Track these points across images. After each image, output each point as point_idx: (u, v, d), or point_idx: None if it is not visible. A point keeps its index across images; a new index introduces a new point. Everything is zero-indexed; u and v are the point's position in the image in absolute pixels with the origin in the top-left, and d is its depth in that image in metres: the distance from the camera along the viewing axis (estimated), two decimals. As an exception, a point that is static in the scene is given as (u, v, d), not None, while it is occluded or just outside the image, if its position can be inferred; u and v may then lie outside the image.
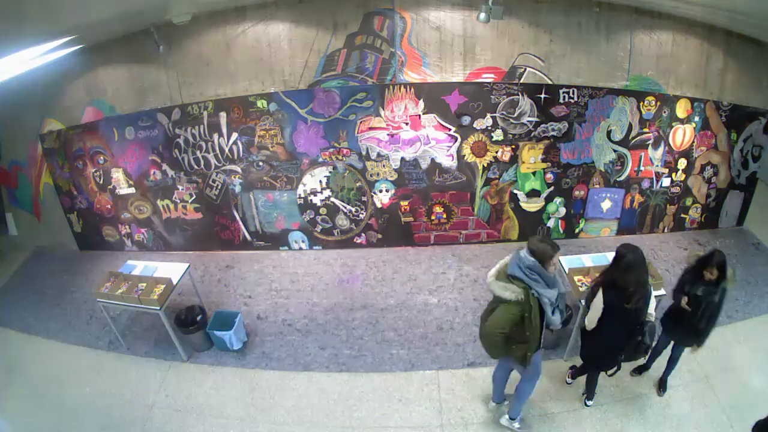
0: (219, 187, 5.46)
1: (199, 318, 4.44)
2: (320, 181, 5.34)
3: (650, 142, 5.20)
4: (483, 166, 5.19)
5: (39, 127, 5.54)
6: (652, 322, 3.14)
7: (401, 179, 5.25)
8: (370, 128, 5.02)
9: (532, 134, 5.04)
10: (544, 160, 5.20)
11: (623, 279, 2.98)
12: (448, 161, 5.15)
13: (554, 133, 5.05)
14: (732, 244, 5.50)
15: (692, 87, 4.97)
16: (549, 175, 5.28)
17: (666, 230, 5.77)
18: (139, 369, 4.30)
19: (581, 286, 3.93)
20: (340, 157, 5.18)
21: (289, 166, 5.25)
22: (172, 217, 5.71)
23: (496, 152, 5.11)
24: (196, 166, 5.37)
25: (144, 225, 5.83)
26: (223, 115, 5.07)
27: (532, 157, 5.16)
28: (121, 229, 5.97)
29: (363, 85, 4.84)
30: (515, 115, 4.94)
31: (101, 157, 5.50)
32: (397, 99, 4.87)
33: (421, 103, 4.87)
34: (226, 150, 5.25)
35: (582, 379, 3.75)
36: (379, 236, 5.61)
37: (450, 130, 5.00)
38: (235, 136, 5.15)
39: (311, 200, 5.45)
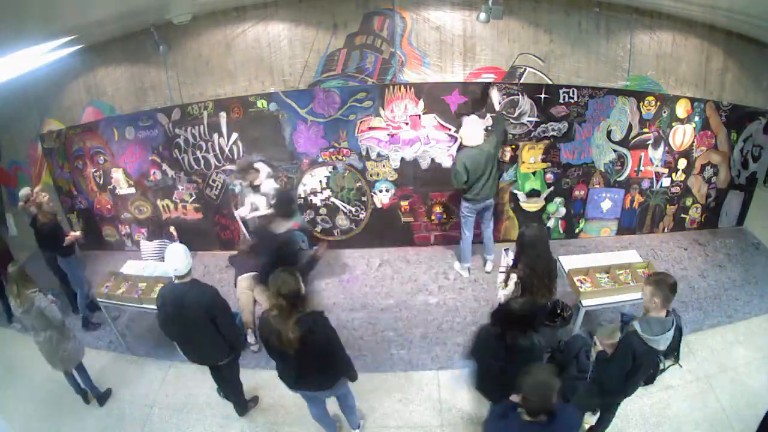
0: (219, 187, 5.46)
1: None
2: (320, 181, 5.34)
3: (650, 142, 5.20)
4: (483, 166, 5.19)
5: (39, 127, 5.54)
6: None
7: (401, 179, 5.25)
8: (370, 128, 5.02)
9: (532, 134, 5.04)
10: (544, 160, 5.20)
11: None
12: (448, 161, 5.15)
13: (554, 133, 5.05)
14: (732, 244, 5.50)
15: (692, 87, 4.97)
16: (549, 175, 5.28)
17: (666, 230, 5.77)
18: (139, 369, 4.31)
19: (581, 287, 3.94)
20: (340, 157, 5.18)
21: (289, 166, 5.25)
22: (172, 217, 5.71)
23: (496, 152, 5.11)
24: (196, 166, 5.37)
25: (144, 225, 5.83)
26: (223, 115, 5.07)
27: (532, 157, 5.16)
28: (121, 229, 5.97)
29: (363, 85, 4.83)
30: (515, 115, 4.94)
31: (101, 157, 5.50)
32: (397, 99, 4.87)
33: (421, 103, 4.87)
34: (226, 150, 5.25)
35: None
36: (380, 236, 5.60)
37: (450, 130, 5.00)
38: (235, 136, 5.15)
39: (311, 200, 5.45)
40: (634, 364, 2.60)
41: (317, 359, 2.72)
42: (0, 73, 3.57)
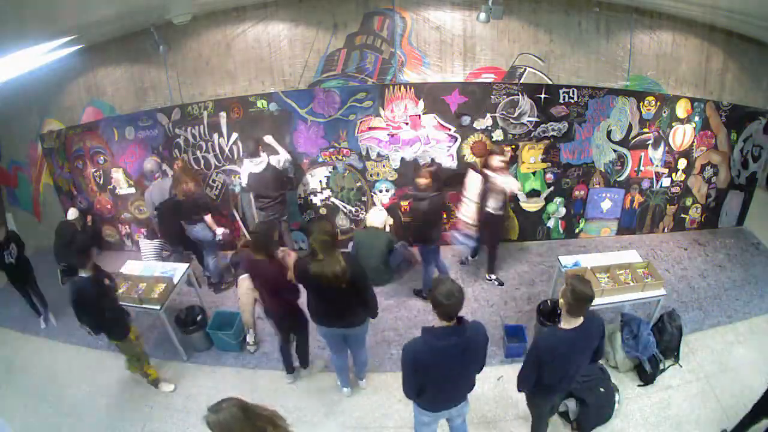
0: (219, 187, 5.46)
1: (199, 318, 4.44)
2: (320, 181, 5.34)
3: (650, 142, 5.20)
4: (483, 166, 5.19)
5: (39, 127, 5.54)
6: None
7: (401, 179, 5.25)
8: (370, 128, 5.02)
9: (532, 134, 5.04)
10: (544, 160, 5.20)
11: None
12: (448, 161, 5.15)
13: (554, 133, 5.05)
14: (732, 244, 5.50)
15: (692, 87, 4.97)
16: (549, 175, 5.28)
17: (666, 230, 5.78)
18: (139, 369, 4.30)
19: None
20: (340, 157, 5.18)
21: (289, 166, 5.24)
22: (172, 217, 5.70)
23: (496, 152, 5.11)
24: (196, 166, 5.37)
25: (144, 225, 5.83)
26: (223, 115, 5.07)
27: (532, 157, 5.16)
28: (121, 229, 5.97)
29: (363, 85, 4.84)
30: (515, 115, 4.94)
31: (101, 157, 5.51)
32: (397, 99, 4.87)
33: (421, 103, 4.87)
34: (226, 150, 5.25)
35: None
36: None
37: (450, 130, 5.00)
38: (235, 136, 5.15)
39: (311, 200, 5.45)
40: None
41: (354, 294, 3.10)
42: (0, 73, 3.56)
